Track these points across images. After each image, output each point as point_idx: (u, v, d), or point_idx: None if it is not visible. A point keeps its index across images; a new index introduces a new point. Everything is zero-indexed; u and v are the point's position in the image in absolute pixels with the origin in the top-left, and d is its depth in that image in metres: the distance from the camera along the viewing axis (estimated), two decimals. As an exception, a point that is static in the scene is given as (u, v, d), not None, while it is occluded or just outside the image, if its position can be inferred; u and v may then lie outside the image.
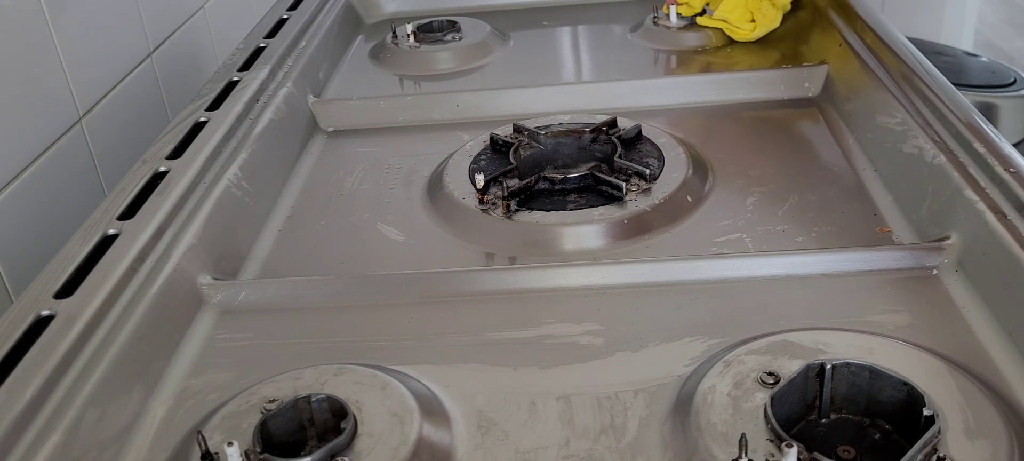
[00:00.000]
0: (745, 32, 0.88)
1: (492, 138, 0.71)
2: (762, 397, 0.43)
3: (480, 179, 0.63)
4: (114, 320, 0.49)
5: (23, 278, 0.71)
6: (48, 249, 0.64)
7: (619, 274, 0.56)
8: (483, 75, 0.90)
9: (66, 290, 0.50)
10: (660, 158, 0.67)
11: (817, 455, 0.39)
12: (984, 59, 1.49)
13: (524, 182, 0.64)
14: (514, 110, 0.78)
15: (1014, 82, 1.40)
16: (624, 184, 0.63)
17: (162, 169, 0.63)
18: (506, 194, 0.63)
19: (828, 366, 0.43)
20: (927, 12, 1.86)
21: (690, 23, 0.93)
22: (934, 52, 1.47)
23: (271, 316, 0.56)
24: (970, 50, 1.62)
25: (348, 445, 0.42)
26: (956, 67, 1.40)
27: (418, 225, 0.65)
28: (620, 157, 0.66)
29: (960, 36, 1.90)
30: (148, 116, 0.95)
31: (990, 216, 0.52)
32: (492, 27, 0.96)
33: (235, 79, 0.77)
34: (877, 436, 0.43)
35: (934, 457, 0.39)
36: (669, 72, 0.89)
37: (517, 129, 0.71)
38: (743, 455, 0.39)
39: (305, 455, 0.41)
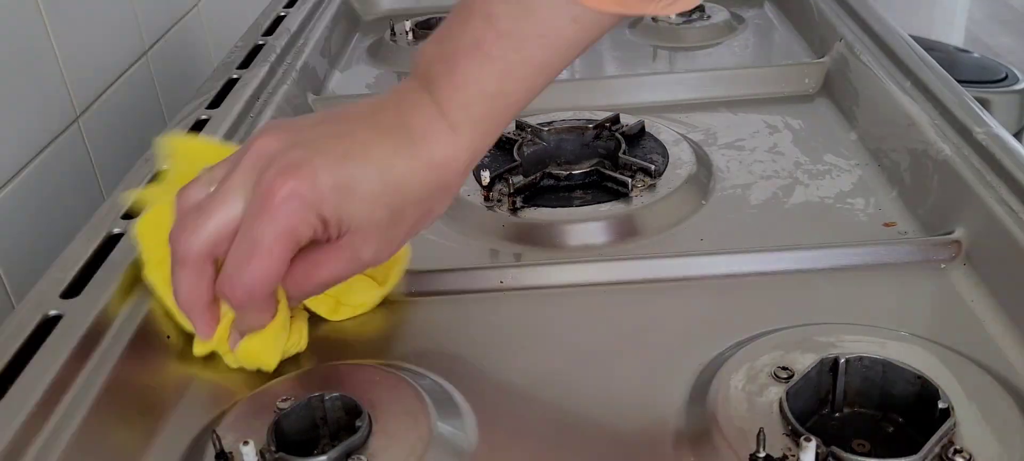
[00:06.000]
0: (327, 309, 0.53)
1: (495, 135, 0.71)
2: (776, 391, 0.43)
3: (485, 176, 0.63)
4: (122, 320, 0.49)
5: (22, 278, 0.71)
6: (47, 249, 0.63)
7: (627, 270, 0.56)
8: (482, 72, 0.90)
9: (72, 290, 0.50)
10: (664, 154, 0.67)
11: (835, 448, 0.39)
12: (975, 55, 1.49)
13: (529, 179, 0.64)
14: (515, 107, 0.78)
15: (1006, 78, 1.41)
16: (629, 180, 0.62)
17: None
18: (511, 191, 0.63)
19: (842, 360, 0.43)
20: (917, 8, 1.87)
21: (689, 20, 0.93)
22: (926, 48, 1.47)
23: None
24: (961, 46, 1.63)
25: (363, 443, 0.42)
26: (948, 63, 1.40)
27: (422, 222, 0.64)
28: (624, 153, 0.66)
29: (950, 32, 1.91)
30: (144, 114, 0.95)
31: (996, 209, 0.53)
32: (490, 24, 0.96)
33: (235, 77, 0.77)
34: (890, 429, 0.43)
35: (951, 449, 0.39)
36: (670, 68, 0.89)
37: (520, 126, 0.71)
38: (761, 449, 0.39)
39: (319, 454, 0.41)
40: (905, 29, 0.77)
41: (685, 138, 0.69)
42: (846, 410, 0.44)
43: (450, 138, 0.46)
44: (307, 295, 0.48)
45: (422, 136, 0.46)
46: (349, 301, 0.53)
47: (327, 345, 0.53)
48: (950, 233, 0.55)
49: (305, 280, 0.45)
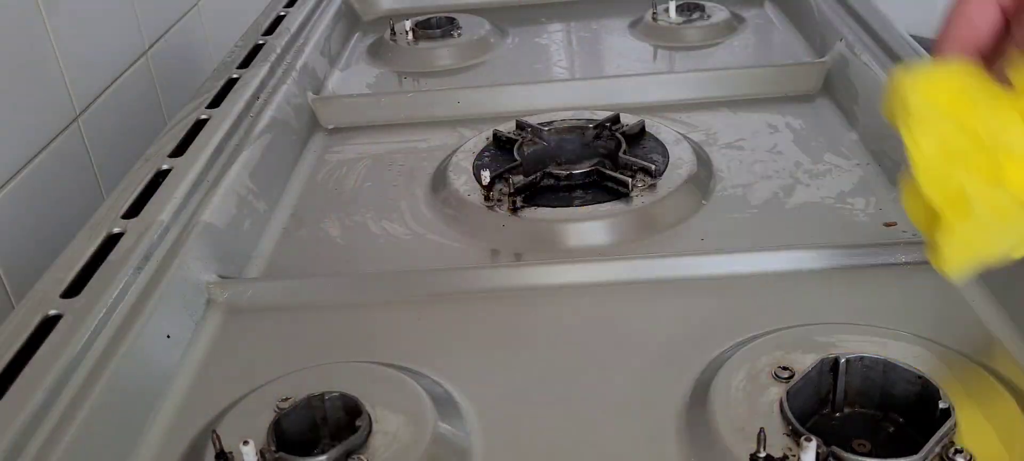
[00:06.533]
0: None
1: (495, 134, 0.71)
2: (777, 391, 0.43)
3: (486, 176, 0.63)
4: (122, 319, 0.49)
5: (23, 278, 0.71)
6: (46, 249, 0.63)
7: (627, 270, 0.56)
8: (483, 71, 0.90)
9: (73, 289, 0.50)
10: (664, 154, 0.67)
11: (835, 448, 0.39)
12: (976, 54, 1.49)
13: (529, 179, 0.64)
14: (515, 106, 0.78)
15: (1006, 77, 1.41)
16: (629, 180, 0.62)
17: (165, 167, 0.62)
18: (512, 190, 0.63)
19: (842, 360, 0.43)
20: (918, 7, 1.87)
21: (689, 20, 0.93)
22: (926, 47, 1.47)
23: (277, 315, 0.56)
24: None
25: (363, 443, 0.42)
26: (949, 62, 1.41)
27: (422, 222, 0.64)
28: (624, 153, 0.66)
29: (950, 32, 1.90)
30: (144, 114, 0.95)
31: (997, 210, 0.53)
32: (491, 23, 0.96)
33: (235, 76, 0.77)
34: (891, 429, 0.43)
35: (952, 449, 0.39)
36: (669, 68, 0.89)
37: (520, 126, 0.71)
38: (762, 449, 0.39)
39: (319, 453, 0.41)
40: (905, 28, 0.77)
41: (685, 138, 0.69)
42: (846, 410, 0.44)
43: None
44: None
45: None
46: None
47: (327, 345, 0.53)
48: (950, 233, 0.55)
49: None
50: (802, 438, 0.38)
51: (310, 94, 0.82)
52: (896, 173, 0.64)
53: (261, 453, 0.41)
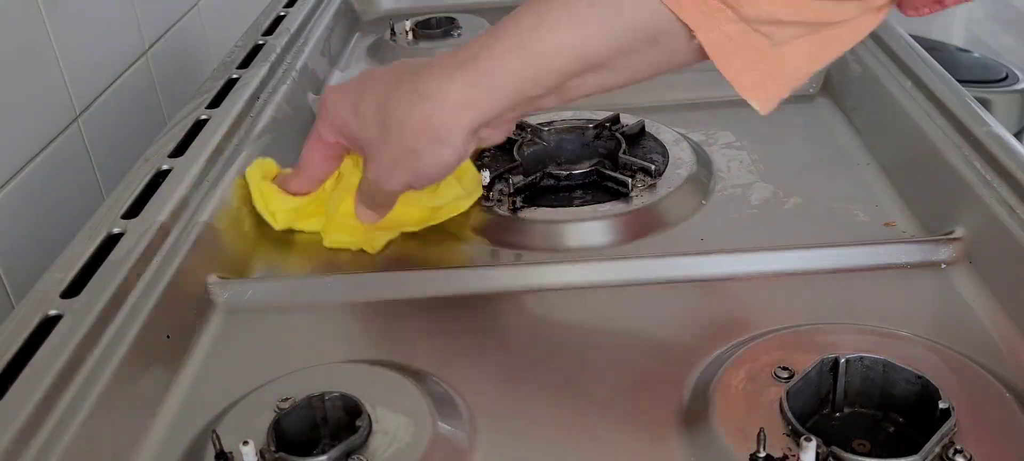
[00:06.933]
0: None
1: (495, 135, 0.71)
2: (777, 391, 0.43)
3: (486, 176, 0.63)
4: (122, 320, 0.49)
5: (23, 278, 0.71)
6: (47, 249, 0.63)
7: (627, 270, 0.56)
8: (482, 72, 0.90)
9: (72, 290, 0.50)
10: (664, 154, 0.67)
11: (835, 448, 0.39)
12: (976, 54, 1.49)
13: (529, 179, 0.64)
14: (515, 107, 0.78)
15: (1006, 77, 1.41)
16: (629, 180, 0.62)
17: (165, 168, 0.62)
18: (511, 191, 0.63)
19: (842, 360, 0.43)
20: (917, 8, 1.87)
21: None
22: (927, 48, 1.48)
23: (278, 315, 0.56)
24: (961, 46, 1.63)
25: (363, 443, 0.42)
26: (949, 63, 1.41)
27: (423, 222, 0.64)
28: (624, 153, 0.66)
29: (950, 32, 1.91)
30: (144, 114, 0.95)
31: (997, 209, 0.53)
32: (491, 23, 0.96)
33: (235, 77, 0.77)
34: (891, 429, 0.43)
35: (951, 450, 0.39)
36: (669, 68, 0.88)
37: (520, 126, 0.71)
38: (761, 449, 0.39)
39: (319, 454, 0.41)
40: (905, 29, 0.77)
41: (685, 138, 0.69)
42: (846, 410, 0.44)
43: (448, 73, 0.49)
44: (366, 197, 0.59)
45: (426, 69, 0.50)
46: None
47: (327, 345, 0.53)
48: (950, 233, 0.55)
49: (362, 185, 0.59)
50: (802, 438, 0.38)
51: (310, 94, 0.82)
52: (896, 173, 0.64)
53: (261, 453, 0.41)
